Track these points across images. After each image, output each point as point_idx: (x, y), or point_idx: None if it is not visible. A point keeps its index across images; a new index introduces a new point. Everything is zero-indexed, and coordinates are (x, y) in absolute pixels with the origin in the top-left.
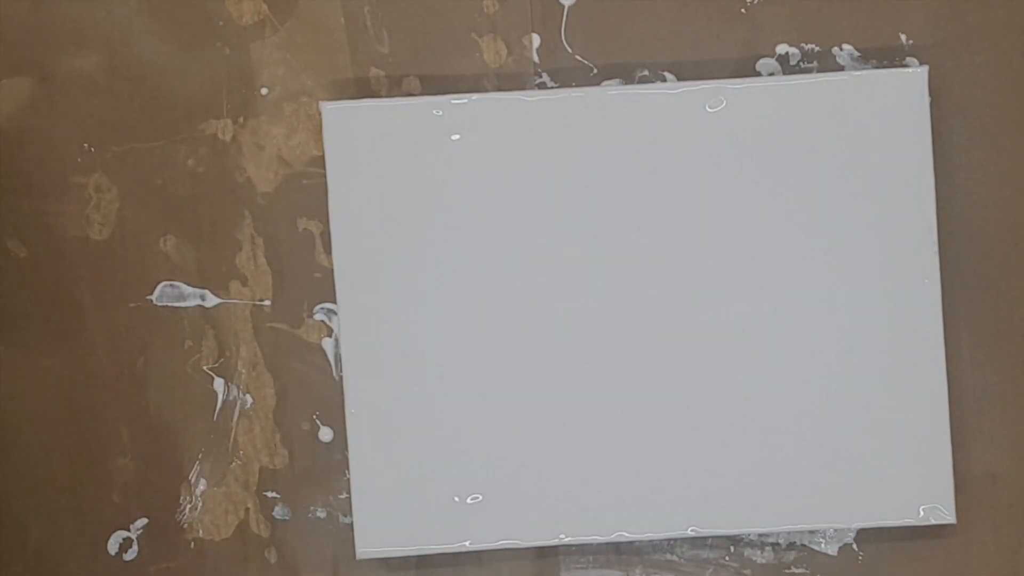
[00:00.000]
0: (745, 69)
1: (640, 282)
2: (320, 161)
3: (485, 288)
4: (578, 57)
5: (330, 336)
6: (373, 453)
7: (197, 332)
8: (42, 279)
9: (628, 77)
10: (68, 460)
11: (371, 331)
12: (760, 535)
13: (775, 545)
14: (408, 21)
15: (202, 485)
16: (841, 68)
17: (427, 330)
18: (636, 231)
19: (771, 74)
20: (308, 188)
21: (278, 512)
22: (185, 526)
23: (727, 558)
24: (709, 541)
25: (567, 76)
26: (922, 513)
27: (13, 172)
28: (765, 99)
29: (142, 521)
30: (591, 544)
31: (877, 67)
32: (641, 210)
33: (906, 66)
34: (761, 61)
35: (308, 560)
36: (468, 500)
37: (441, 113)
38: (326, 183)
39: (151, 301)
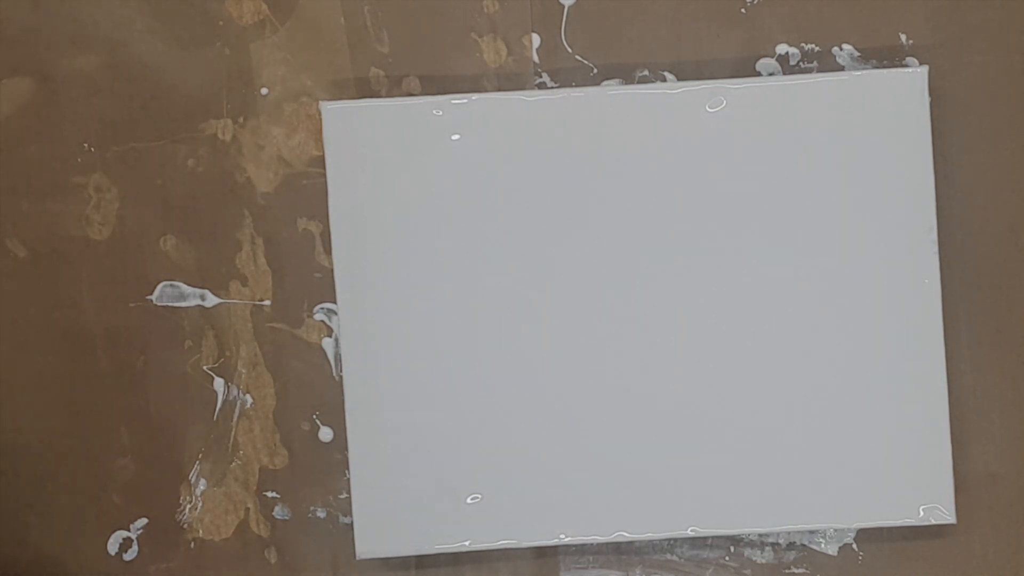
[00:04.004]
0: (745, 69)
1: (640, 282)
2: (320, 161)
3: (485, 288)
4: (578, 57)
5: (330, 336)
6: (373, 453)
7: (197, 332)
8: (42, 279)
9: (628, 77)
10: (68, 460)
11: (371, 331)
12: (760, 535)
13: (775, 545)
14: (408, 21)
15: (202, 485)
16: (841, 68)
17: (427, 330)
18: (636, 231)
19: (771, 74)
20: (308, 188)
21: (278, 512)
22: (185, 526)
23: (727, 558)
24: (709, 541)
25: (567, 76)
26: (922, 513)
27: (13, 172)
28: (765, 99)
29: (142, 521)
30: (591, 544)
31: (877, 67)
32: (641, 210)
33: (906, 66)
34: (761, 61)
35: (308, 560)
36: (468, 500)
37: (441, 113)
38: (326, 183)
39: (151, 301)
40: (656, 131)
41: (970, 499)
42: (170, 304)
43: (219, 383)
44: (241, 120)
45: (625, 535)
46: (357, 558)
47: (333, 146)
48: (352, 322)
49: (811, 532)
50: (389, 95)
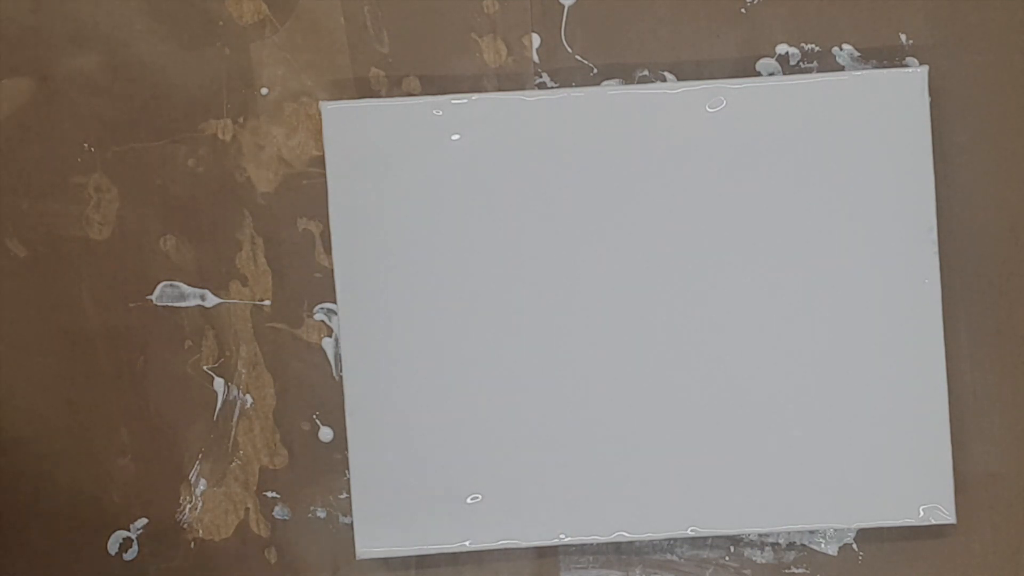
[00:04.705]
0: (745, 69)
1: (640, 282)
2: (320, 161)
3: (485, 288)
4: (578, 57)
5: (330, 336)
6: (373, 453)
7: (197, 332)
8: (42, 279)
9: (628, 77)
10: (68, 460)
11: (371, 331)
12: (760, 535)
13: (775, 545)
14: (408, 21)
15: (202, 485)
16: (841, 68)
17: (427, 330)
18: (636, 231)
19: (771, 74)
20: (308, 188)
21: (278, 512)
22: (185, 526)
23: (727, 558)
24: (709, 541)
25: (567, 76)
26: (922, 513)
27: (13, 172)
28: (765, 99)
29: (142, 521)
30: (591, 544)
31: (877, 67)
32: (641, 210)
33: (906, 66)
34: (761, 61)
35: (308, 560)
36: (468, 500)
37: (441, 113)
38: (326, 183)
39: (151, 301)
40: (656, 131)
41: (970, 499)
42: (170, 304)
43: (219, 383)
44: (241, 120)
45: (625, 535)
46: (357, 558)
47: (333, 146)
48: (352, 322)
49: (811, 532)
50: (389, 95)
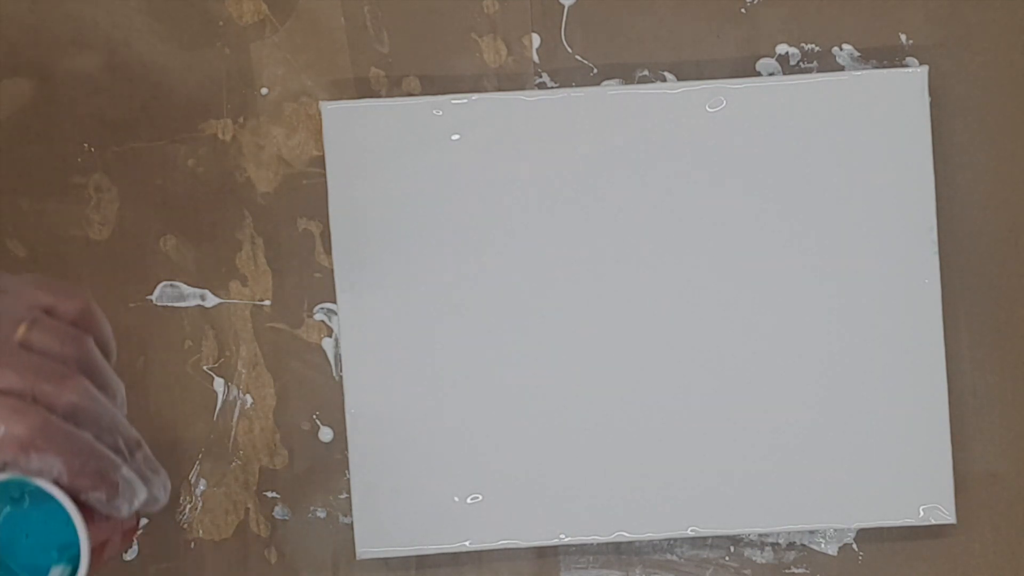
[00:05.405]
0: (745, 69)
1: (640, 282)
2: (320, 161)
3: (485, 288)
4: (578, 57)
5: (330, 336)
6: (373, 453)
7: (197, 332)
8: None
9: (628, 77)
10: None
11: (371, 331)
12: (760, 535)
13: (775, 545)
14: (408, 21)
15: (202, 485)
16: (841, 68)
17: (427, 330)
18: (636, 231)
19: (771, 74)
20: (308, 188)
21: (278, 512)
22: (185, 526)
23: (727, 558)
24: (709, 541)
25: (567, 76)
26: (922, 513)
27: (13, 172)
28: (765, 99)
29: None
30: (591, 544)
31: (877, 67)
32: (641, 210)
33: (906, 66)
34: (761, 61)
35: (308, 560)
36: (468, 500)
37: (441, 113)
38: (326, 183)
39: (151, 301)
40: (656, 131)
41: (970, 499)
42: (170, 304)
43: (219, 383)
44: (241, 120)
45: (625, 535)
46: (357, 558)
47: (333, 146)
48: (352, 322)
49: (811, 532)
50: (389, 95)
